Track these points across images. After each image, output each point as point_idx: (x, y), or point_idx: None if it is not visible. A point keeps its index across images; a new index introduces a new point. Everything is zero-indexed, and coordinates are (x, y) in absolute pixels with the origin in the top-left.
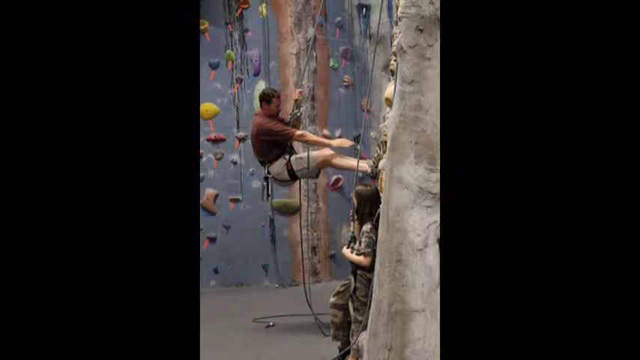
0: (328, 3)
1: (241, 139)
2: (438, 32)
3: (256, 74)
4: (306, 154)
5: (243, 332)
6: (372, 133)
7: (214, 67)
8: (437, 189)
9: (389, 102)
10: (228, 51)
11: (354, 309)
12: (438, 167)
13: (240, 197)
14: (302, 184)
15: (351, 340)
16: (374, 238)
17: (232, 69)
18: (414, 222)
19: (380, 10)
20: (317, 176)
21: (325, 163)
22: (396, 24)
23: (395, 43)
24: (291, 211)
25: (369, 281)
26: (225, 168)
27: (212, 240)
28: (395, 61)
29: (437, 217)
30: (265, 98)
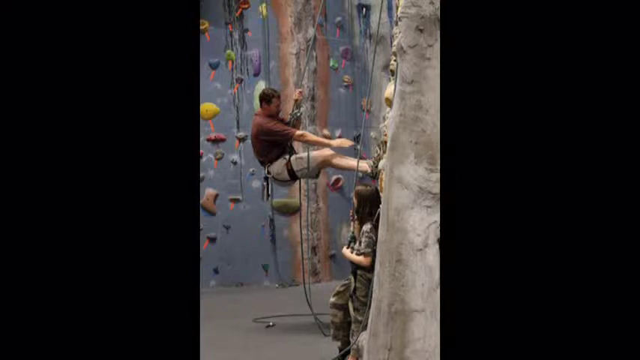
0: (328, 3)
1: (241, 139)
2: (438, 32)
3: (256, 74)
4: (306, 154)
5: (243, 332)
6: (372, 133)
7: (214, 67)
8: (437, 189)
9: (389, 102)
10: (228, 51)
11: (354, 309)
12: (438, 167)
13: (240, 197)
14: (302, 184)
15: (351, 340)
16: (374, 238)
17: (232, 69)
18: (414, 222)
19: (380, 10)
20: (317, 176)
21: (325, 163)
22: (396, 24)
23: (395, 43)
24: (291, 211)
25: (369, 281)
26: (225, 168)
27: (212, 240)
28: (395, 61)
29: (437, 217)
30: (265, 98)
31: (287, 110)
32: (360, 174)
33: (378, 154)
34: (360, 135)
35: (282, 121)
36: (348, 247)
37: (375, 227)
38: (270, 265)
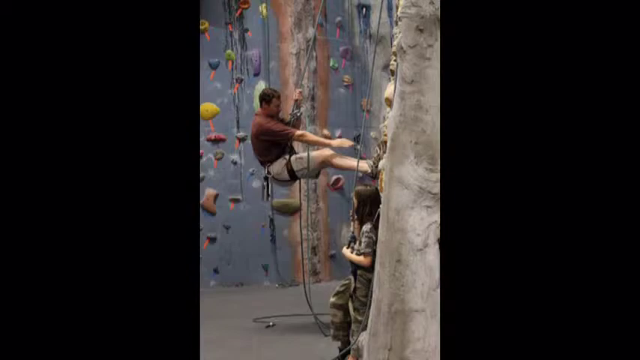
0: (328, 3)
1: (241, 139)
2: (438, 32)
3: (256, 74)
4: (306, 154)
5: (243, 332)
6: (372, 133)
7: (214, 67)
8: (437, 189)
9: (389, 102)
10: (228, 51)
11: (354, 309)
12: (438, 167)
13: (240, 197)
14: (302, 184)
15: (351, 340)
16: (374, 238)
17: (232, 69)
18: (414, 222)
19: (380, 10)
20: (317, 176)
21: (325, 163)
22: (396, 24)
23: (395, 43)
24: (291, 211)
25: (369, 281)
26: (225, 168)
27: (212, 240)
28: (395, 61)
29: (437, 217)
30: (265, 98)
31: (287, 110)
32: (360, 174)
33: (378, 154)
34: (360, 135)
35: (282, 121)
36: (348, 247)
37: (375, 227)
38: (270, 265)
